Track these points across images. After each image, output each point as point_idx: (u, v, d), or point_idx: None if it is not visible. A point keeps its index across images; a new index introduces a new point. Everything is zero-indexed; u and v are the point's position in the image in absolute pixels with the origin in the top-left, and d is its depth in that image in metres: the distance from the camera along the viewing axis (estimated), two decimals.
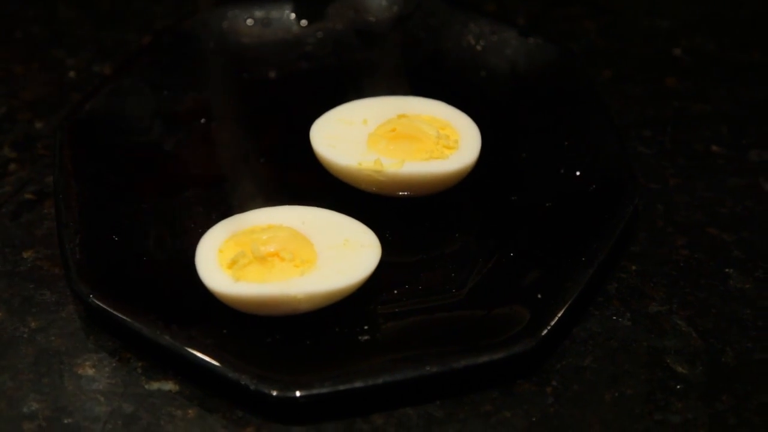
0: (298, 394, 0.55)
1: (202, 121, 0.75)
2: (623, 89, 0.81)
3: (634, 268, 0.66)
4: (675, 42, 0.87)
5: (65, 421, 0.57)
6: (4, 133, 0.76)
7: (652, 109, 0.79)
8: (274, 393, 0.55)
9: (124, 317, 0.58)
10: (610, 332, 0.62)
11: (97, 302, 0.59)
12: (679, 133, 0.77)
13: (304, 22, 0.83)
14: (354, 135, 0.69)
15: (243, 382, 0.56)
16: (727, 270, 0.66)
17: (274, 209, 0.64)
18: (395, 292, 0.63)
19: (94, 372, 0.59)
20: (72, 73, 0.82)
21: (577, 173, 0.69)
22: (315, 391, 0.56)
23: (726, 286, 0.65)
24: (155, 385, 0.58)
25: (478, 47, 0.80)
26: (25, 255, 0.66)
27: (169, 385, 0.58)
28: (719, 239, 0.68)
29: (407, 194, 0.68)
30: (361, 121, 0.70)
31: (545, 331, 0.58)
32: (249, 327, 0.60)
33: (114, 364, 0.59)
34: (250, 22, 0.82)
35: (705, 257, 0.67)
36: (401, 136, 0.68)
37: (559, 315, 0.59)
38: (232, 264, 0.60)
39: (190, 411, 0.57)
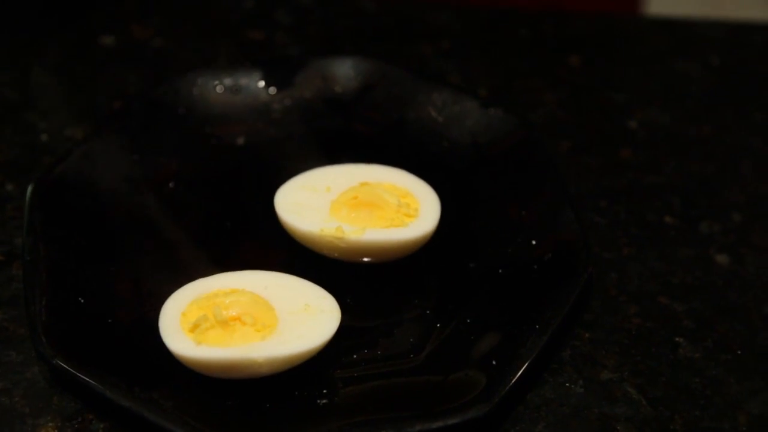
0: None
1: (171, 185, 0.77)
2: (580, 160, 0.83)
3: (587, 335, 0.68)
4: (630, 115, 0.89)
5: None
6: None
7: (608, 179, 0.81)
8: None
9: (87, 379, 0.59)
10: (563, 398, 0.63)
11: (62, 364, 0.60)
12: (633, 204, 0.79)
13: (272, 90, 0.85)
14: (317, 202, 0.71)
15: None
16: (677, 339, 0.68)
17: (237, 274, 0.66)
18: (354, 356, 0.64)
19: None
20: (44, 137, 0.83)
21: (533, 242, 0.71)
22: None
23: (676, 354, 0.67)
24: None
25: (440, 118, 0.82)
26: None
27: None
28: (670, 309, 0.70)
29: (368, 260, 0.70)
30: (325, 189, 0.72)
31: (499, 397, 0.60)
32: (210, 390, 0.61)
33: (76, 426, 0.60)
34: (219, 89, 0.84)
35: (656, 326, 0.68)
36: (363, 203, 0.70)
37: (513, 381, 0.60)
38: (194, 327, 0.61)
39: None
